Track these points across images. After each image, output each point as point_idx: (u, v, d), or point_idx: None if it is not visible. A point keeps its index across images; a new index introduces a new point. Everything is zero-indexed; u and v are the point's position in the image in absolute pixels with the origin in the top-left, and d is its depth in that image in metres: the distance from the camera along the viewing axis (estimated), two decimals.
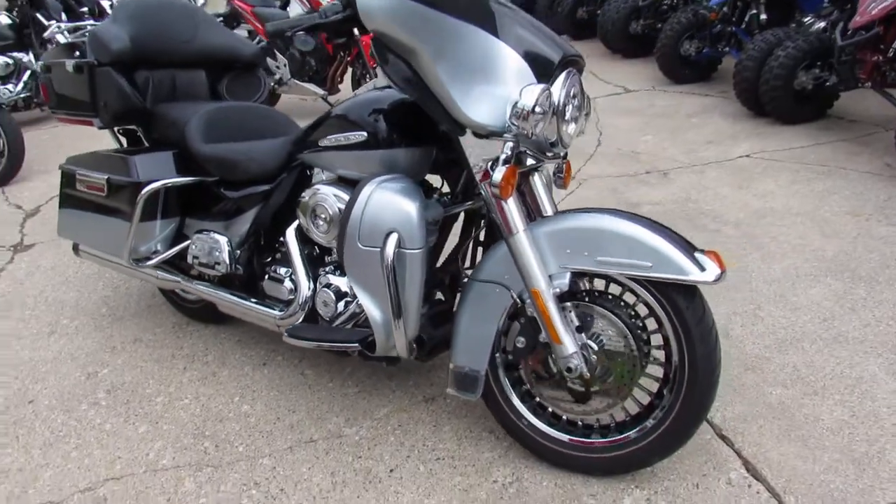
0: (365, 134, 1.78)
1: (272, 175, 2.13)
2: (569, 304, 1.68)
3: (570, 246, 1.62)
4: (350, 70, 5.37)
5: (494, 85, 1.55)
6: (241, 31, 5.77)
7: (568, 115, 1.63)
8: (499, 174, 1.53)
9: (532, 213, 1.82)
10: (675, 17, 5.48)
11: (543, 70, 1.57)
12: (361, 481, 1.85)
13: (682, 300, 1.58)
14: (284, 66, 5.50)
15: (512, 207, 1.62)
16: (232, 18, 5.89)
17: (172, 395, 2.30)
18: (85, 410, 2.27)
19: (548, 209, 1.80)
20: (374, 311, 1.74)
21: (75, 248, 2.67)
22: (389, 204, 1.68)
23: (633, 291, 1.64)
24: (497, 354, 1.78)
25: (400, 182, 1.73)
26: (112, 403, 2.29)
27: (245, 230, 2.20)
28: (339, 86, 5.62)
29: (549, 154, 1.69)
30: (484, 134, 1.59)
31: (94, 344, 2.66)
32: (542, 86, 1.51)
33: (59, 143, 5.77)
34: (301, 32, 1.77)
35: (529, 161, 1.68)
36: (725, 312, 2.43)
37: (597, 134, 4.58)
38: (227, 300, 2.21)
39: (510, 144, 1.56)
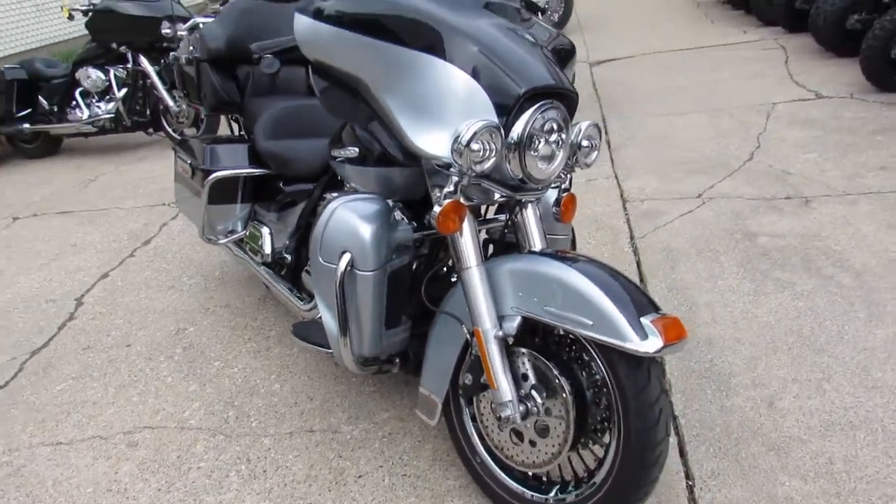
0: (357, 150, 1.82)
1: (318, 174, 2.26)
2: (524, 350, 1.61)
3: (524, 289, 1.55)
4: None
5: (446, 115, 1.51)
6: None
7: (539, 152, 1.53)
8: (437, 209, 1.50)
9: (521, 246, 1.75)
10: (890, 14, 4.67)
11: (505, 101, 1.49)
12: (330, 481, 1.95)
13: (624, 367, 1.44)
14: None
15: (465, 240, 1.58)
16: None
17: (228, 362, 2.58)
18: (160, 362, 2.63)
19: (536, 244, 1.72)
20: (330, 324, 1.81)
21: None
22: (346, 223, 1.71)
23: (583, 348, 1.53)
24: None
25: (366, 202, 1.74)
26: (182, 360, 2.63)
27: (294, 222, 2.37)
28: None
29: (521, 191, 1.61)
30: (439, 165, 1.56)
31: (195, 303, 3.05)
32: (482, 121, 1.43)
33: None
34: (269, 55, 1.84)
35: (497, 196, 1.62)
36: (783, 377, 2.13)
37: (752, 146, 4.11)
38: (268, 282, 2.41)
39: (454, 179, 1.52)
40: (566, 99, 1.60)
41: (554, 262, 1.52)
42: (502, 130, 1.47)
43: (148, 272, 3.41)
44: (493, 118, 1.49)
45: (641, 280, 2.81)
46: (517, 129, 1.49)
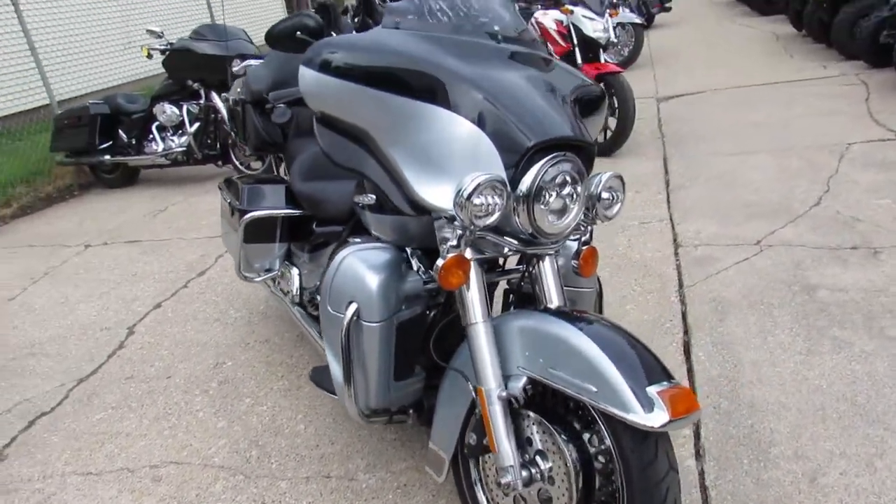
0: (374, 197, 1.81)
1: (347, 217, 2.26)
2: (531, 413, 1.54)
3: (531, 348, 1.49)
4: None
5: (451, 167, 1.48)
6: None
7: (550, 206, 1.48)
8: (439, 262, 1.46)
9: (538, 300, 1.69)
10: None
11: (513, 153, 1.45)
12: None
13: (629, 440, 1.36)
14: None
15: (471, 295, 1.53)
16: None
17: (258, 399, 2.60)
18: (195, 395, 2.68)
19: (553, 300, 1.65)
20: (336, 373, 1.78)
21: None
22: (354, 273, 1.68)
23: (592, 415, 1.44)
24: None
25: (375, 252, 1.72)
26: (216, 394, 2.66)
27: (324, 263, 2.38)
28: None
29: (533, 245, 1.55)
30: (446, 217, 1.52)
31: (237, 336, 3.10)
32: (485, 175, 1.39)
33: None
34: (282, 105, 1.85)
35: (506, 249, 1.57)
36: (830, 450, 1.96)
37: (821, 190, 3.88)
38: (298, 321, 2.42)
39: (458, 233, 1.48)
40: (583, 150, 1.54)
41: (563, 323, 1.45)
42: (508, 185, 1.43)
43: (197, 304, 3.51)
44: (501, 170, 1.45)
45: (686, 333, 2.67)
46: (525, 182, 1.45)
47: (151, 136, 5.88)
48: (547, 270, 1.66)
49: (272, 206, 2.51)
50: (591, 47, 4.95)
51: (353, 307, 1.66)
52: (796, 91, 6.33)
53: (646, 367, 1.36)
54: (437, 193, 1.50)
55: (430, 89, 1.50)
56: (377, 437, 2.28)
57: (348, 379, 1.71)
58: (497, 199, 1.42)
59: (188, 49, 5.50)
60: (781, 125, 5.33)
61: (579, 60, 4.94)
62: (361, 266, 1.68)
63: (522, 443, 1.53)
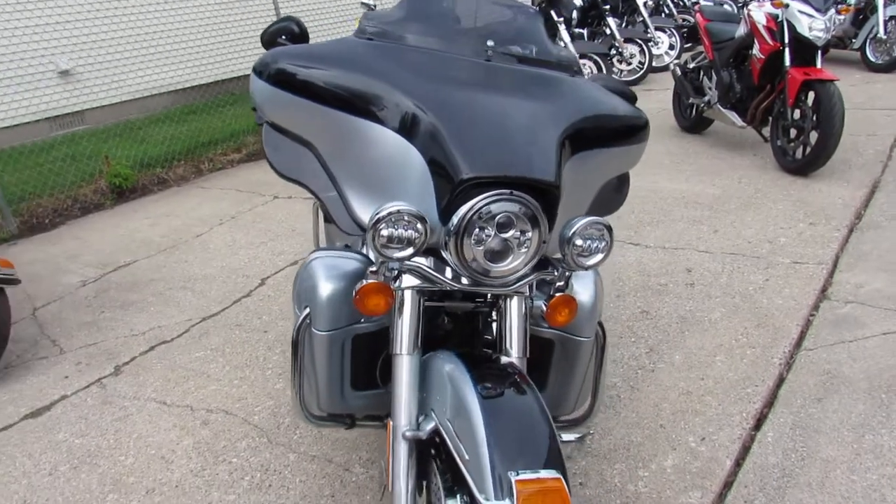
0: None
1: None
2: (439, 461, 1.46)
3: (441, 394, 1.42)
4: (774, 106, 4.61)
5: (385, 189, 1.44)
6: None
7: (486, 245, 1.36)
8: (358, 286, 1.43)
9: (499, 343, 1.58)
10: None
11: (445, 185, 1.36)
12: None
13: None
14: (712, 89, 5.09)
15: (400, 324, 1.47)
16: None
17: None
18: (274, 354, 2.93)
19: (512, 346, 1.53)
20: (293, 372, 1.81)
21: None
22: (310, 279, 1.66)
23: None
24: None
25: (341, 260, 1.67)
26: (289, 358, 2.89)
27: None
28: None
29: (479, 285, 1.44)
30: None
31: None
32: (398, 205, 1.31)
33: None
34: None
35: (448, 286, 1.48)
36: None
37: None
38: None
39: (380, 260, 1.42)
40: (543, 191, 1.39)
41: (466, 377, 1.36)
42: (425, 219, 1.34)
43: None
44: (431, 200, 1.38)
45: (770, 405, 2.28)
46: (455, 218, 1.35)
47: None
48: (512, 312, 1.54)
49: None
50: (805, 48, 4.27)
51: (306, 311, 1.69)
52: None
53: (526, 451, 1.23)
54: (367, 215, 1.46)
55: (374, 107, 1.47)
56: None
57: (294, 378, 1.75)
58: (411, 233, 1.35)
59: None
60: None
61: (787, 63, 4.29)
62: (320, 272, 1.65)
63: (424, 487, 1.47)
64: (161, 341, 3.15)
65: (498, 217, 1.35)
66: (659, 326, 2.82)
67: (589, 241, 1.45)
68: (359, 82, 1.50)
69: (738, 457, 2.06)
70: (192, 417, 2.53)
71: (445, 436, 1.34)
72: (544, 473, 1.20)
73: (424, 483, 1.54)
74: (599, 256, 1.47)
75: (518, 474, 1.19)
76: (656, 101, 6.99)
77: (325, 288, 1.65)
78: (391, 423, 1.46)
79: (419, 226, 1.34)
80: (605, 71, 7.63)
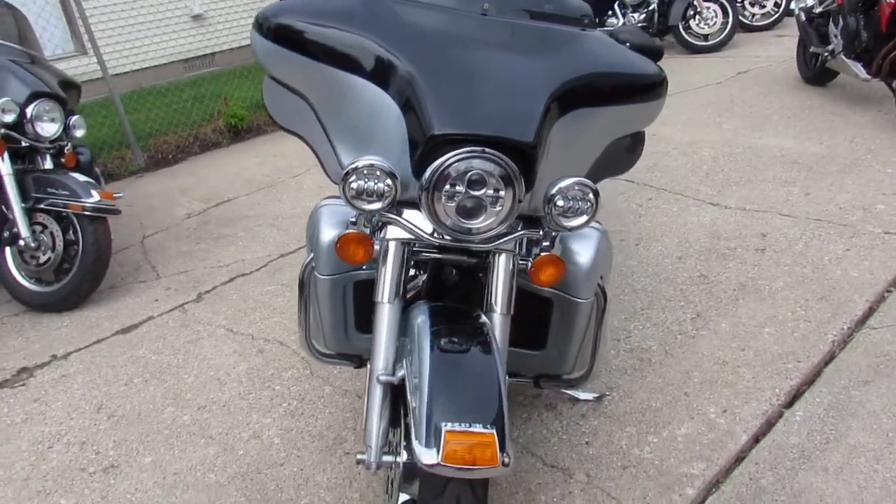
0: None
1: None
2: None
3: (412, 344, 1.48)
4: None
5: (369, 143, 1.49)
6: None
7: (458, 202, 1.39)
8: (337, 234, 1.50)
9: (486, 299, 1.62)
10: None
11: (417, 141, 1.39)
12: (329, 445, 2.17)
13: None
14: (837, 36, 4.61)
15: (384, 272, 1.53)
16: None
17: None
18: None
19: (496, 302, 1.56)
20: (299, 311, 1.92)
21: None
22: (315, 225, 1.74)
23: None
24: None
25: (342, 207, 1.71)
26: None
27: None
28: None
29: (458, 241, 1.47)
30: None
31: None
32: (367, 160, 1.36)
33: None
34: None
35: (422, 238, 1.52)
36: None
37: None
38: None
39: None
40: (520, 150, 1.39)
41: (426, 328, 1.42)
42: (397, 176, 1.39)
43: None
44: (406, 155, 1.42)
45: (811, 383, 2.16)
46: (427, 173, 1.39)
47: None
48: (499, 269, 1.56)
49: None
50: None
51: (310, 257, 1.79)
52: None
53: (464, 405, 1.28)
54: None
55: (363, 62, 1.52)
56: None
57: (301, 317, 1.87)
58: (382, 186, 1.39)
59: None
60: None
61: None
62: (324, 219, 1.73)
63: (397, 430, 1.56)
64: (240, 273, 3.42)
65: (469, 174, 1.37)
66: (713, 292, 2.70)
67: (572, 202, 1.44)
68: (349, 39, 1.55)
69: (757, 433, 1.98)
70: (251, 345, 2.77)
71: (407, 382, 1.42)
72: (477, 428, 1.24)
73: (401, 427, 1.63)
74: (583, 218, 1.46)
75: (449, 426, 1.24)
76: (786, 48, 6.43)
77: (327, 234, 1.73)
78: (369, 366, 1.55)
79: (388, 181, 1.39)
80: (731, 15, 7.08)
